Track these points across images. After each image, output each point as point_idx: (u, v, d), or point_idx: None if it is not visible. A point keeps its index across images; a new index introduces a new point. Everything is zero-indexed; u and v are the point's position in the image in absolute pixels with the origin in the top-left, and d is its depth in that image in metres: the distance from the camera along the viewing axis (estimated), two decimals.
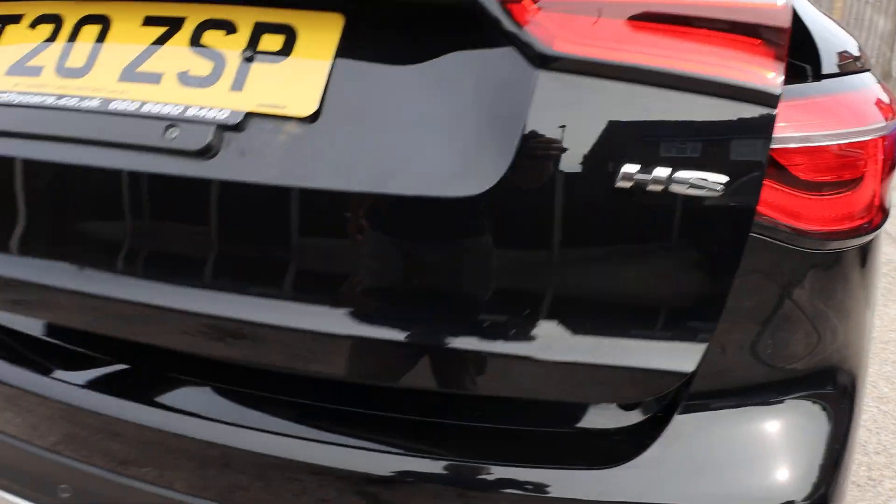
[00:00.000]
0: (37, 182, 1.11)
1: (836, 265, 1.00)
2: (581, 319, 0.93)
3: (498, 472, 1.00)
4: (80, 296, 1.11)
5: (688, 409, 0.99)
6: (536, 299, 0.93)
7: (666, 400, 1.00)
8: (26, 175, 1.11)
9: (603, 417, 1.02)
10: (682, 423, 0.98)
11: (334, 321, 0.97)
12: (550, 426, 1.04)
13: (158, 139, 0.99)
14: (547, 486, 0.96)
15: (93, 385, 1.23)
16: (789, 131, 0.87)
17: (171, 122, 0.99)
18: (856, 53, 1.05)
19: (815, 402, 1.04)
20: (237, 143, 0.97)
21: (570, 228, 0.90)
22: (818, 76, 0.94)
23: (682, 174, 0.84)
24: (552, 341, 0.93)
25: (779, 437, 1.01)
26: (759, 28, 0.86)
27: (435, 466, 1.01)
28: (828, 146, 0.89)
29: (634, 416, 1.01)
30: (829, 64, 0.95)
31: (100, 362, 1.28)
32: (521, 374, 0.98)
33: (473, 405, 1.08)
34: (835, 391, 1.06)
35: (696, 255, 0.91)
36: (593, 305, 0.93)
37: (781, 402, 1.03)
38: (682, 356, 0.93)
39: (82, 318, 1.16)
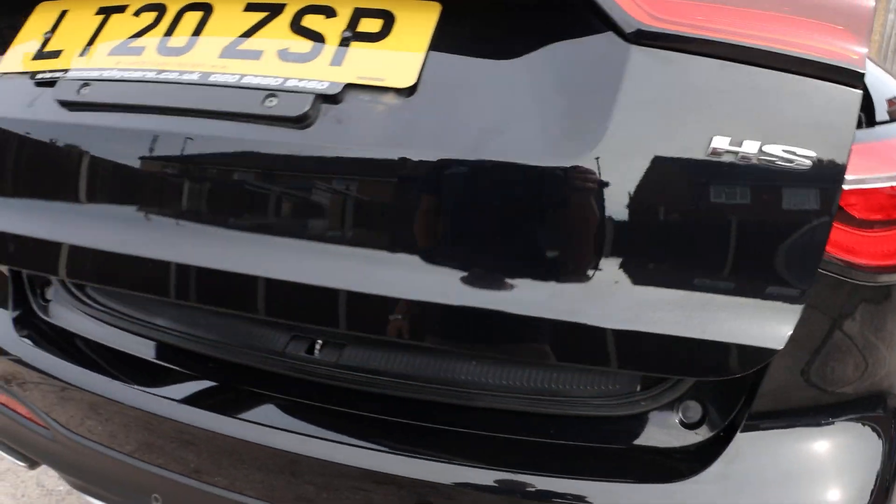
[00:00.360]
0: (132, 150, 1.14)
1: (885, 297, 1.07)
2: (669, 290, 0.94)
3: (565, 485, 1.07)
4: (179, 267, 1.13)
5: (748, 429, 1.05)
6: (626, 269, 0.94)
7: (731, 415, 1.07)
8: (124, 144, 1.15)
9: (669, 436, 1.09)
10: (743, 442, 1.04)
11: (428, 289, 1.00)
12: (619, 443, 1.11)
13: (257, 107, 1.03)
14: (620, 500, 1.04)
15: (182, 398, 1.30)
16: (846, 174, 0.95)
17: (271, 92, 1.03)
18: None
19: (866, 425, 1.10)
20: (335, 113, 1.01)
21: (659, 198, 0.93)
22: (871, 123, 1.01)
23: (771, 147, 0.89)
24: (640, 311, 0.94)
25: (832, 457, 1.07)
26: (844, 15, 0.94)
27: (505, 479, 1.09)
28: (881, 188, 0.97)
29: (699, 435, 1.08)
30: (880, 111, 1.03)
31: (187, 377, 1.36)
32: (608, 344, 0.98)
33: (544, 422, 1.15)
34: (885, 414, 1.12)
35: (785, 227, 0.91)
36: (682, 277, 0.94)
37: (834, 423, 1.09)
38: (771, 331, 0.93)
39: (185, 289, 1.17)
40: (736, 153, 0.89)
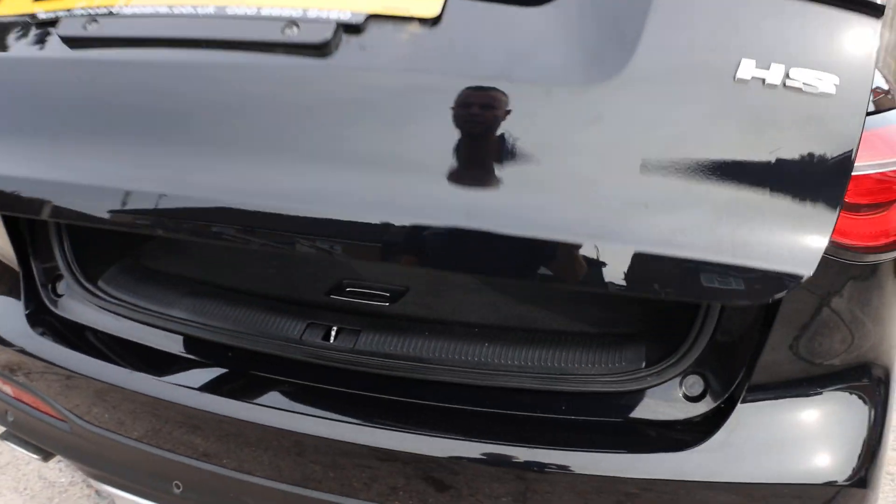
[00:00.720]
0: (145, 83, 1.14)
1: (871, 275, 1.15)
2: (698, 214, 0.94)
3: (578, 458, 1.14)
4: (203, 199, 1.12)
5: (747, 400, 1.13)
6: (655, 192, 0.95)
7: (731, 387, 1.14)
8: (136, 78, 1.15)
9: (674, 409, 1.16)
10: (743, 412, 1.12)
11: (453, 215, 1.01)
12: (628, 417, 1.18)
13: (277, 36, 1.03)
14: (631, 469, 1.11)
15: (200, 386, 1.35)
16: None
17: (291, 21, 1.03)
18: (885, 87, 1.20)
19: (853, 394, 1.19)
20: (358, 41, 1.03)
21: (687, 121, 0.94)
22: None
23: (797, 72, 0.91)
24: (671, 235, 0.95)
25: (824, 424, 1.15)
26: None
27: (519, 453, 1.15)
28: (869, 174, 1.04)
29: (702, 407, 1.16)
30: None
31: (203, 364, 1.40)
32: (639, 268, 0.98)
33: (556, 399, 1.22)
34: (870, 383, 1.20)
35: (812, 152, 0.92)
36: (710, 201, 0.94)
37: (825, 393, 1.17)
38: (801, 257, 0.94)
39: (201, 223, 1.15)
40: (763, 77, 0.92)
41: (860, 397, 1.18)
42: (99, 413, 1.44)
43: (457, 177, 1.02)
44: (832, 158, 0.94)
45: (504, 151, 1.00)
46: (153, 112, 1.15)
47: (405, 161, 1.04)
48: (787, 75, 0.92)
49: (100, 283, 1.55)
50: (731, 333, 1.17)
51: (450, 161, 1.02)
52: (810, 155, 0.94)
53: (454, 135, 1.01)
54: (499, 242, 1.01)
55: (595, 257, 0.98)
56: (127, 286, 1.54)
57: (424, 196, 1.02)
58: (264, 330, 1.38)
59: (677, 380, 1.18)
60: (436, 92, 1.02)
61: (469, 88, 1.00)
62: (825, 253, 1.05)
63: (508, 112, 0.99)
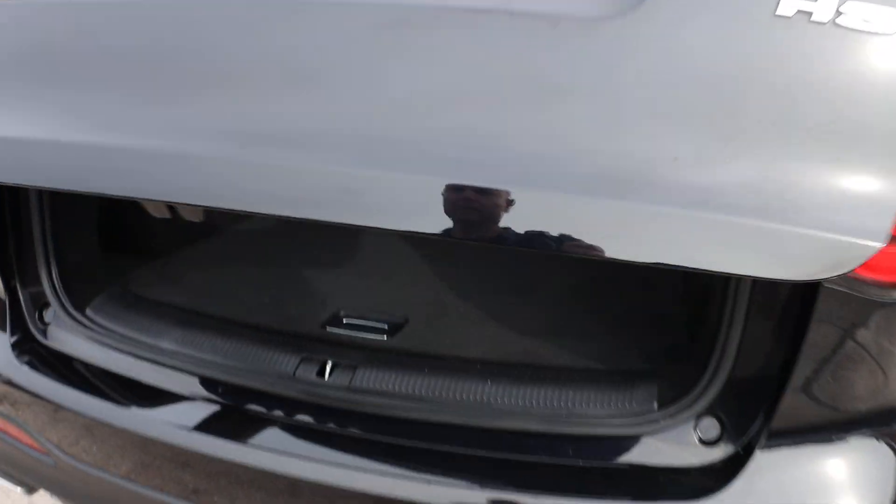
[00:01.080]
0: (98, 23, 1.08)
1: None
2: (741, 171, 0.80)
3: None
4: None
5: (768, 446, 1.06)
6: (686, 143, 0.81)
7: (750, 431, 1.07)
8: (87, 18, 1.09)
9: (689, 454, 1.09)
10: (763, 458, 1.05)
11: (442, 167, 0.88)
12: (639, 462, 1.11)
13: None
14: None
15: (192, 424, 1.28)
16: None
17: None
18: None
19: (881, 441, 1.11)
20: None
21: (722, 60, 0.81)
22: None
23: (852, 6, 0.77)
24: (708, 194, 0.80)
25: (849, 473, 1.07)
26: None
27: (533, 502, 1.08)
28: None
29: (719, 452, 1.08)
30: None
31: (194, 399, 1.34)
32: (668, 232, 0.83)
33: (562, 442, 1.15)
34: None
35: (869, 98, 0.78)
36: (754, 155, 0.80)
37: (850, 440, 1.09)
38: (866, 223, 0.79)
39: (165, 182, 1.06)
40: (810, 11, 0.77)
41: (889, 444, 1.11)
42: (85, 448, 1.38)
43: (447, 123, 0.88)
44: (892, 108, 0.77)
45: (502, 95, 0.86)
46: (110, 54, 1.07)
47: (388, 106, 0.91)
48: (838, 11, 0.77)
49: (87, 312, 1.49)
50: (751, 371, 1.10)
51: (440, 105, 0.89)
52: (867, 103, 0.78)
53: (446, 76, 0.89)
54: (496, 200, 0.87)
55: (613, 221, 0.85)
56: (115, 315, 1.48)
57: (407, 146, 0.89)
58: (257, 365, 1.32)
59: (692, 422, 1.11)
60: (425, 27, 0.90)
61: (462, 22, 0.88)
62: (847, 289, 0.98)
63: (508, 48, 0.86)
